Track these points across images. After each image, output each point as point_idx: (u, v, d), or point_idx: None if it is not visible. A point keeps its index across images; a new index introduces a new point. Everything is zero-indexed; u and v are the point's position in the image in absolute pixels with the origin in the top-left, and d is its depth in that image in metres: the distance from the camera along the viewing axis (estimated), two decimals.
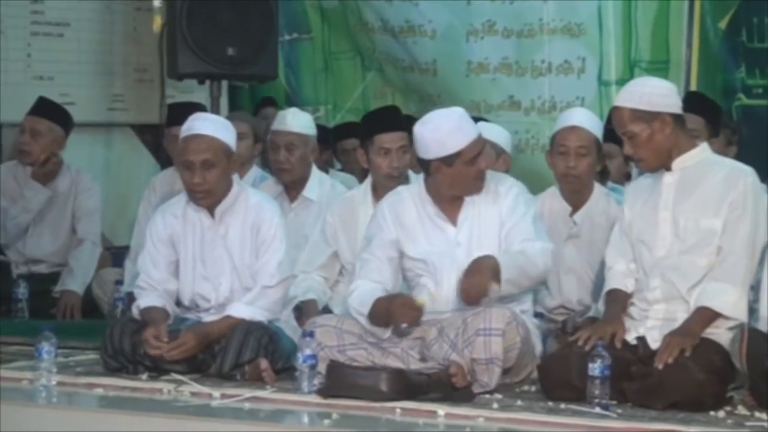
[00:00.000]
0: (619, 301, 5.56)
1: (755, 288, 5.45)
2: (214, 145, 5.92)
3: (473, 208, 5.78)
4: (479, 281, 5.46)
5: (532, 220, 5.78)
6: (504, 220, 5.74)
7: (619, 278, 5.63)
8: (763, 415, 5.02)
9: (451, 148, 5.66)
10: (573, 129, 6.33)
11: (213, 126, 6.02)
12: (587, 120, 6.42)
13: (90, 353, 6.27)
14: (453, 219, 5.80)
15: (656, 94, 5.57)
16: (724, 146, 7.10)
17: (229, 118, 7.77)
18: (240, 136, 7.31)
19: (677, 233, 5.50)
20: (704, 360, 5.24)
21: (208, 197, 5.97)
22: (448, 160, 5.68)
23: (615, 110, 5.62)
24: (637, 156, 5.55)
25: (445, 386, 5.37)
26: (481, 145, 5.75)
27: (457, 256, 5.71)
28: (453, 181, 5.74)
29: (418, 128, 5.76)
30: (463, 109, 5.90)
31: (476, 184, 5.75)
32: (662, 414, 5.08)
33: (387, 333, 5.64)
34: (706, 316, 5.40)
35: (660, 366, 5.23)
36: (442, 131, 5.69)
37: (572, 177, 6.30)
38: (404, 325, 5.59)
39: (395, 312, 5.59)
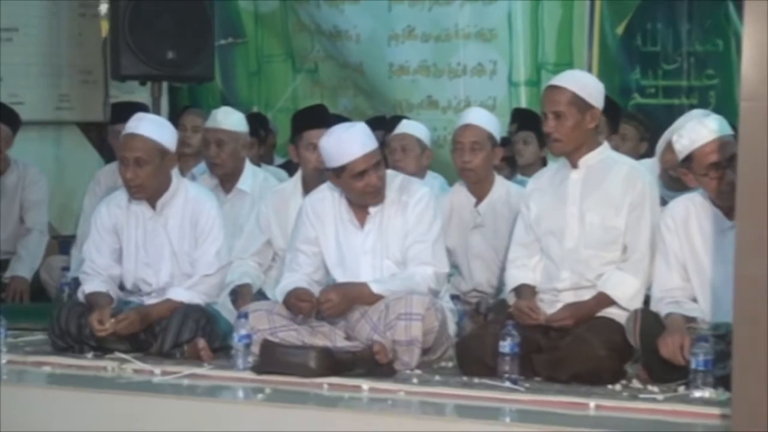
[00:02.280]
0: (528, 296, 5.56)
1: None
2: (148, 144, 5.91)
3: (380, 216, 5.75)
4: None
5: (434, 240, 5.71)
6: (408, 232, 5.70)
7: (527, 273, 5.63)
8: (655, 389, 5.06)
9: (337, 161, 5.64)
10: (467, 127, 6.33)
11: (150, 127, 6.00)
12: (480, 118, 6.41)
13: (38, 334, 6.23)
14: (362, 224, 5.77)
15: (595, 89, 5.60)
16: (637, 142, 7.18)
17: (185, 113, 7.77)
18: (195, 130, 7.31)
19: (584, 228, 5.52)
20: (605, 337, 5.29)
21: (140, 191, 5.97)
22: (337, 172, 5.67)
23: (554, 89, 5.56)
24: (556, 135, 5.49)
25: (368, 363, 5.37)
26: (371, 161, 5.62)
27: (361, 264, 5.73)
28: (345, 191, 5.74)
29: (322, 138, 5.76)
30: (365, 125, 5.86)
31: (366, 198, 5.70)
32: (566, 387, 5.12)
33: (298, 319, 5.65)
34: (603, 301, 5.46)
35: (539, 319, 5.38)
36: (332, 144, 5.66)
37: (468, 171, 6.31)
38: (300, 316, 5.62)
39: (290, 304, 5.61)
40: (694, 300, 5.35)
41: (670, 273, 5.39)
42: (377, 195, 5.70)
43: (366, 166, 5.61)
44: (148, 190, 5.96)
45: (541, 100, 5.69)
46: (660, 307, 5.37)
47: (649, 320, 5.30)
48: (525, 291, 5.57)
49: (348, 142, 5.63)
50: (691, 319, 5.25)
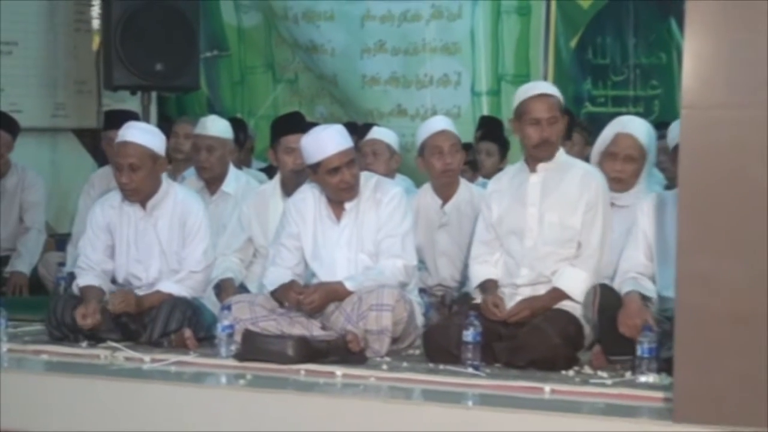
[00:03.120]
0: (493, 291, 5.55)
1: None
2: (140, 151, 5.91)
3: (356, 212, 5.75)
4: None
5: (404, 235, 5.72)
6: (381, 227, 5.70)
7: (490, 269, 5.62)
8: (605, 374, 5.09)
9: (314, 157, 5.65)
10: (444, 132, 6.34)
11: (141, 134, 6.00)
12: (451, 124, 6.44)
13: (36, 325, 6.20)
14: (339, 219, 5.78)
15: (562, 99, 5.63)
16: (582, 147, 7.23)
17: (178, 122, 7.76)
18: (186, 137, 7.30)
19: (543, 227, 5.53)
20: (560, 327, 5.31)
21: (134, 194, 5.98)
22: (314, 168, 5.68)
23: (547, 97, 5.52)
24: (552, 139, 5.50)
25: (342, 351, 5.38)
26: (345, 159, 5.62)
27: (337, 256, 5.73)
28: (322, 187, 5.75)
29: (302, 137, 5.77)
30: (341, 126, 5.84)
31: (341, 193, 5.70)
32: (523, 373, 5.13)
33: (287, 307, 5.66)
34: (557, 295, 5.47)
35: (502, 316, 5.38)
36: (310, 142, 5.68)
37: (450, 171, 6.32)
38: (287, 304, 5.63)
39: (284, 295, 5.63)
40: (653, 280, 5.39)
41: (636, 251, 5.42)
42: (350, 191, 5.70)
43: (339, 163, 5.62)
44: (142, 192, 5.97)
45: (529, 107, 5.51)
46: (621, 282, 5.39)
47: (607, 295, 5.34)
48: (490, 286, 5.57)
49: (324, 140, 5.65)
50: (647, 298, 5.29)
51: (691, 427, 4.21)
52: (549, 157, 5.54)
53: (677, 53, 8.08)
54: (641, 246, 5.42)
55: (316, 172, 5.68)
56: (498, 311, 5.42)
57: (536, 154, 5.56)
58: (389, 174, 6.74)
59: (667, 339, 4.84)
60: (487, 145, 7.81)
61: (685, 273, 4.30)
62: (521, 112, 5.53)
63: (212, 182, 6.91)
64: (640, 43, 8.56)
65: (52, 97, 9.43)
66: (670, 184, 6.10)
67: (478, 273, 5.64)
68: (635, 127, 5.82)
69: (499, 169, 7.48)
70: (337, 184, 5.66)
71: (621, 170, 5.71)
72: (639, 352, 5.01)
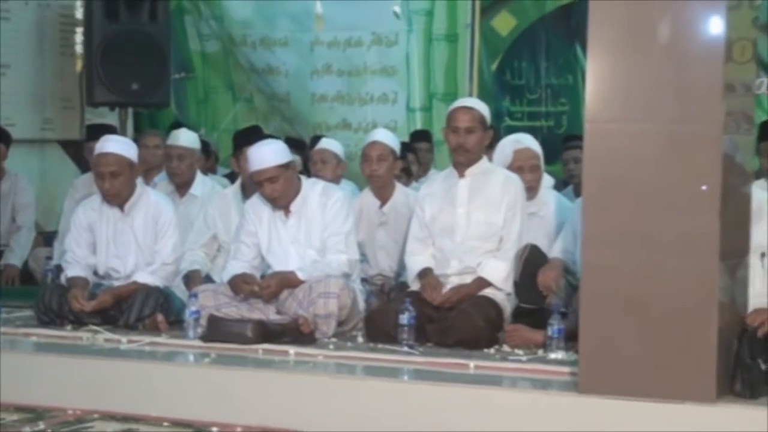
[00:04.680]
0: (431, 275, 5.55)
1: None
2: (119, 159, 5.88)
3: (304, 212, 5.70)
4: None
5: (347, 233, 5.69)
6: (327, 225, 5.66)
7: (425, 259, 5.62)
8: (521, 352, 5.11)
9: (250, 168, 5.66)
10: (374, 143, 6.31)
11: (118, 145, 5.98)
12: (385, 136, 6.40)
13: (26, 311, 6.14)
14: (288, 219, 5.73)
15: (489, 114, 5.64)
16: None
17: (145, 134, 7.70)
18: (156, 147, 7.24)
19: (470, 224, 5.54)
20: (483, 312, 5.34)
21: (116, 198, 5.94)
22: (251, 177, 5.68)
23: (467, 109, 5.55)
24: (467, 147, 5.50)
25: (294, 333, 5.36)
26: (264, 176, 5.55)
27: (288, 251, 5.69)
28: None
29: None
30: (279, 143, 5.78)
31: (272, 202, 5.66)
32: (452, 351, 5.14)
33: (240, 297, 5.63)
34: (482, 284, 5.49)
35: (436, 301, 5.39)
36: (249, 155, 5.68)
37: (375, 177, 6.29)
38: (241, 295, 5.60)
39: (236, 285, 5.59)
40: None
41: (566, 237, 5.47)
42: (275, 202, 5.66)
43: (260, 179, 5.59)
44: (122, 196, 5.93)
45: (452, 116, 5.55)
46: (554, 252, 5.46)
47: (535, 253, 5.40)
48: (428, 272, 5.57)
49: (253, 155, 5.63)
50: (570, 271, 5.33)
51: (593, 397, 4.24)
52: (467, 162, 5.55)
53: (582, 74, 8.12)
54: (570, 234, 5.45)
55: (253, 181, 5.70)
56: (436, 293, 5.42)
57: (454, 158, 5.60)
58: (336, 179, 6.73)
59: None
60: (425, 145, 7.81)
61: (588, 263, 4.33)
62: (447, 121, 5.60)
63: (182, 186, 6.88)
64: (550, 66, 8.60)
65: (40, 112, 9.35)
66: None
67: (415, 264, 5.63)
68: (528, 140, 5.94)
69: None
70: (264, 194, 5.66)
71: (530, 179, 5.77)
72: (549, 333, 5.05)
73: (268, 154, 5.61)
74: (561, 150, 7.58)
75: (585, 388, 4.28)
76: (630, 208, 4.22)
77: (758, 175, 5.83)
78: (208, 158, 8.29)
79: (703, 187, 4.10)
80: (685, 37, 4.16)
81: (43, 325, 5.79)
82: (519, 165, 5.79)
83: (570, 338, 4.85)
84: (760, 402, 4.18)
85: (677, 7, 4.16)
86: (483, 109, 5.62)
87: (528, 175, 5.77)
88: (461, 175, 5.59)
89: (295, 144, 6.35)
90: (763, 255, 4.74)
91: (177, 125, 8.33)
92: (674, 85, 4.16)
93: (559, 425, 4.26)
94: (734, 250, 4.30)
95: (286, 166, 5.61)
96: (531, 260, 5.36)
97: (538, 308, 5.32)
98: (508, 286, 5.47)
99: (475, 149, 5.54)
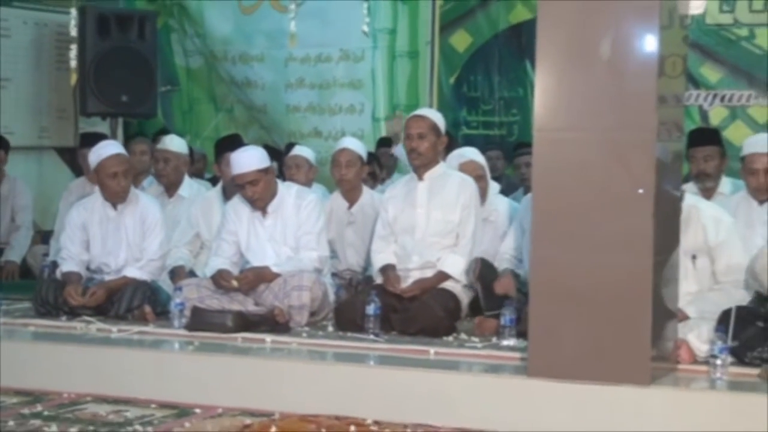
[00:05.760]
0: (393, 271, 5.55)
1: None
2: (126, 159, 5.93)
3: (280, 213, 5.68)
4: None
5: (319, 232, 5.68)
6: (300, 225, 5.66)
7: (388, 256, 5.62)
8: (476, 340, 5.12)
9: (233, 171, 5.65)
10: (343, 150, 6.30)
11: (120, 147, 6.04)
12: (353, 144, 6.40)
13: (25, 303, 6.10)
14: (265, 218, 5.71)
15: (443, 122, 5.64)
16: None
17: (134, 141, 7.66)
18: (142, 153, 7.20)
19: (429, 223, 5.55)
20: (442, 303, 5.36)
21: (125, 197, 5.90)
22: (233, 180, 5.67)
23: (420, 117, 5.57)
24: (420, 150, 5.49)
25: (271, 322, 5.36)
26: (245, 179, 5.53)
27: (266, 248, 5.67)
28: None
29: None
30: (258, 149, 5.74)
31: (252, 203, 5.64)
32: (414, 339, 5.15)
33: (221, 290, 5.59)
34: (441, 277, 5.50)
35: (402, 293, 5.39)
36: (231, 159, 5.67)
37: (344, 181, 6.30)
38: (222, 289, 5.58)
39: (216, 280, 5.57)
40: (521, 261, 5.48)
41: (512, 238, 5.50)
42: (255, 203, 5.64)
43: (242, 182, 5.59)
44: (125, 195, 5.90)
45: (407, 124, 5.59)
46: (501, 260, 5.50)
47: (486, 266, 5.42)
48: (390, 268, 5.58)
49: (235, 160, 5.63)
50: (516, 275, 5.36)
51: (541, 380, 4.26)
52: (421, 165, 5.55)
53: (531, 88, 8.13)
54: (516, 234, 5.49)
55: (235, 183, 5.68)
56: (397, 284, 5.43)
57: (410, 161, 5.62)
58: (308, 183, 6.72)
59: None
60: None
61: (537, 259, 4.35)
62: (404, 129, 5.64)
63: (170, 188, 6.84)
64: (503, 80, 8.63)
65: (38, 121, 9.29)
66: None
67: (379, 260, 5.63)
68: (471, 153, 5.98)
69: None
70: (244, 196, 5.64)
71: (481, 188, 5.78)
72: (502, 322, 5.06)
73: (250, 159, 5.60)
74: (513, 156, 7.64)
75: (533, 371, 4.29)
76: (574, 209, 4.24)
77: (687, 178, 5.87)
78: (193, 163, 8.25)
79: (640, 191, 4.13)
80: (623, 53, 4.19)
81: (40, 316, 5.76)
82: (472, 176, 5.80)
83: (521, 335, 4.86)
84: (693, 386, 4.22)
85: (617, 27, 4.19)
86: (436, 117, 5.64)
87: (481, 183, 5.79)
88: (420, 178, 5.60)
89: (270, 151, 6.33)
90: (694, 257, 4.79)
91: (163, 132, 8.32)
92: (613, 97, 4.19)
93: (510, 405, 4.28)
94: (665, 247, 4.33)
95: (265, 171, 5.61)
96: (483, 273, 5.39)
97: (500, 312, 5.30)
98: (466, 279, 5.47)
99: (427, 153, 5.53)
